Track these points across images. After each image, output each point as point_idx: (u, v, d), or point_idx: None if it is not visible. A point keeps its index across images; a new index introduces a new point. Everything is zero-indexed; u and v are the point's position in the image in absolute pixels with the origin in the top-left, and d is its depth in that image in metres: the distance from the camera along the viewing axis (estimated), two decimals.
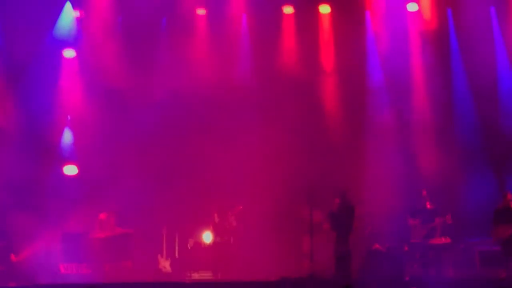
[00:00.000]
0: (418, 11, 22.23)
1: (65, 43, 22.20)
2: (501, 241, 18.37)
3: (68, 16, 22.21)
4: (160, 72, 22.02)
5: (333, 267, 18.59)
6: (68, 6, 22.15)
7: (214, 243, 20.15)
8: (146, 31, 22.08)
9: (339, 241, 18.57)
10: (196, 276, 19.78)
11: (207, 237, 20.34)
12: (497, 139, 21.39)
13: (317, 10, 22.69)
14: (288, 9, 22.61)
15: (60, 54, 22.16)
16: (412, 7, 22.19)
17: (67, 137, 22.09)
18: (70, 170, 21.87)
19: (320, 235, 19.89)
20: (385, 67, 22.20)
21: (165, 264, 20.63)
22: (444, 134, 21.54)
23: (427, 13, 22.22)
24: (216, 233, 20.24)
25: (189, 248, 20.60)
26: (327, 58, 22.52)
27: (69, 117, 22.11)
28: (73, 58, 22.29)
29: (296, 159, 21.20)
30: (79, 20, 22.33)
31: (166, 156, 21.45)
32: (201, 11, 22.63)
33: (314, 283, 16.86)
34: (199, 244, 20.52)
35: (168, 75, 22.04)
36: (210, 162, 21.43)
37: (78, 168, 21.92)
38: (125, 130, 21.34)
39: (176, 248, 21.06)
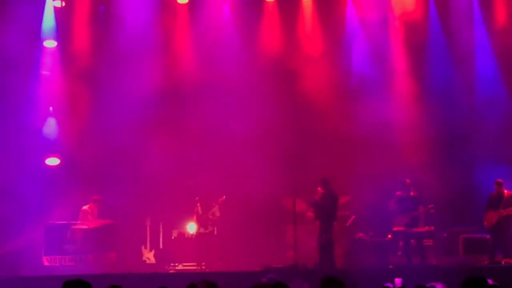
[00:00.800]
0: None
1: (46, 34, 22.09)
2: (490, 227, 18.54)
3: (49, 5, 22.10)
4: (141, 62, 21.91)
5: (316, 257, 18.62)
6: None
7: (198, 234, 20.13)
8: (127, 20, 21.97)
9: (323, 230, 18.58)
10: (180, 267, 19.76)
11: (191, 228, 20.32)
12: (477, 128, 21.43)
13: None
14: None
15: (41, 45, 22.04)
16: None
17: (50, 128, 21.98)
18: (53, 161, 21.78)
19: (303, 225, 19.91)
20: (368, 54, 22.21)
21: (149, 255, 20.60)
22: (426, 123, 21.55)
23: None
24: (199, 224, 20.21)
25: (173, 239, 20.57)
26: (311, 45, 22.52)
27: (51, 108, 22.00)
28: (55, 48, 22.18)
29: (279, 149, 21.20)
30: (59, 10, 22.21)
31: (149, 147, 21.38)
32: (182, 0, 22.57)
33: (298, 272, 16.87)
34: (183, 235, 20.49)
35: (150, 64, 21.95)
36: (193, 152, 21.40)
37: (61, 159, 21.83)
38: (108, 121, 21.26)
39: (160, 239, 21.04)
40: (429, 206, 18.70)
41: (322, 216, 18.66)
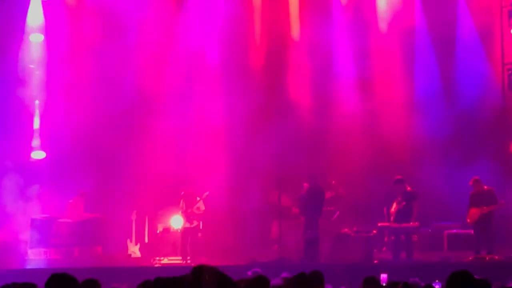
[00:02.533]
0: None
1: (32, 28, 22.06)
2: (472, 223, 18.66)
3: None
4: (129, 51, 21.89)
5: (301, 251, 18.67)
6: None
7: (183, 228, 20.14)
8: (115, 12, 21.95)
9: (308, 225, 18.64)
10: (165, 261, 19.78)
11: (176, 222, 20.33)
12: (466, 124, 21.50)
13: None
14: None
15: (27, 39, 22.00)
16: None
17: (35, 122, 21.96)
18: (38, 155, 21.75)
19: (288, 219, 19.96)
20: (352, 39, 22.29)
21: (135, 249, 20.61)
22: (416, 114, 21.61)
23: None
24: (185, 218, 20.22)
25: (158, 233, 20.58)
26: (295, 29, 22.61)
27: (37, 102, 21.96)
28: (41, 43, 22.15)
29: (265, 144, 21.22)
30: (46, 3, 22.17)
31: (134, 141, 21.39)
32: None
33: (283, 267, 16.89)
34: (168, 229, 20.50)
35: (136, 54, 21.95)
36: (178, 146, 21.43)
37: (46, 153, 21.81)
38: (94, 114, 21.25)
39: (146, 233, 21.04)
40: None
41: (307, 212, 18.72)
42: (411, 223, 18.68)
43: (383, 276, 14.47)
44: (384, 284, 11.32)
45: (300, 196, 18.85)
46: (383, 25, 22.27)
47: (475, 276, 7.48)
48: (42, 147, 21.84)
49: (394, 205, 18.78)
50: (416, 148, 21.33)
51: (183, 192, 20.36)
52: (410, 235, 18.74)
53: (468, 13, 21.96)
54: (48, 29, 22.04)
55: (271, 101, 21.88)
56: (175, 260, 19.78)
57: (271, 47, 22.59)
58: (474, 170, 19.26)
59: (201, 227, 20.35)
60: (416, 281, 10.92)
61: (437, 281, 12.38)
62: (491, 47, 21.82)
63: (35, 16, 22.01)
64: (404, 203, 18.60)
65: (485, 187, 18.70)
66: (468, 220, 18.78)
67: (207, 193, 20.08)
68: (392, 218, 18.78)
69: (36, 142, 21.80)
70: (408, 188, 18.79)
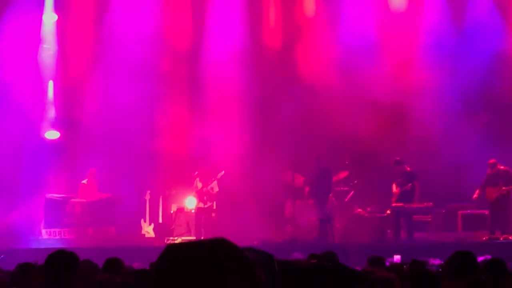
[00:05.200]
0: None
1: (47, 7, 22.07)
2: (489, 203, 18.61)
3: None
4: (144, 36, 21.88)
5: (315, 231, 18.68)
6: None
7: (197, 208, 20.16)
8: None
9: (318, 205, 18.68)
10: (179, 241, 19.81)
11: (190, 202, 20.35)
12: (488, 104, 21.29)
13: None
14: None
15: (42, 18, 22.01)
16: None
17: (49, 102, 21.99)
18: (53, 134, 21.78)
19: (302, 199, 19.95)
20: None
21: (148, 229, 20.66)
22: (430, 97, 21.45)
23: None
24: (199, 198, 20.24)
25: (172, 213, 20.61)
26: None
27: (51, 82, 21.98)
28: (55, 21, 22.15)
29: (279, 124, 21.19)
30: None
31: (149, 121, 21.38)
32: None
33: (296, 247, 16.91)
34: (182, 210, 20.53)
35: (150, 36, 21.95)
36: (192, 127, 21.41)
37: (61, 133, 21.84)
38: (109, 94, 21.23)
39: (160, 213, 21.07)
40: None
41: (315, 192, 18.77)
42: (424, 204, 18.70)
43: (397, 257, 14.48)
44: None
45: (308, 178, 18.94)
46: None
47: (489, 256, 7.51)
48: (56, 127, 21.86)
49: (394, 186, 18.78)
50: (432, 126, 21.09)
51: (197, 172, 20.37)
52: (411, 216, 18.71)
53: None
54: (62, 8, 22.03)
55: (285, 79, 21.79)
56: (189, 240, 19.81)
57: (286, 26, 22.49)
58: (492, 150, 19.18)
59: (214, 207, 20.37)
60: (425, 261, 10.92)
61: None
62: None
63: None
64: (406, 184, 18.58)
65: (501, 167, 18.67)
66: (474, 197, 18.79)
67: (222, 172, 20.09)
68: (394, 199, 18.71)
69: (50, 122, 21.82)
70: (408, 169, 18.77)
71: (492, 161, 18.75)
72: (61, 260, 6.40)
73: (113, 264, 8.68)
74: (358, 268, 11.33)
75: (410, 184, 18.51)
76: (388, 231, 19.02)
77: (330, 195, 19.18)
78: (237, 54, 21.90)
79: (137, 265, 11.74)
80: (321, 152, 19.05)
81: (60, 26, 22.06)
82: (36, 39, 21.87)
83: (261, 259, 2.51)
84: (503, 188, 18.49)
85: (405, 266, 9.74)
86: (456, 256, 7.51)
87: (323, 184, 18.66)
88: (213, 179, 20.22)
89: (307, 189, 19.90)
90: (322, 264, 2.56)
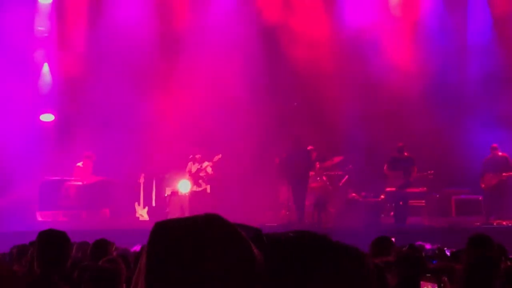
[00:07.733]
0: None
1: None
2: (488, 188, 18.66)
3: None
4: (138, 17, 21.86)
5: (310, 216, 18.70)
6: None
7: (191, 191, 20.16)
8: None
9: (298, 185, 18.70)
10: None
11: (184, 185, 20.35)
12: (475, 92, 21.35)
13: None
14: None
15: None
16: None
17: (45, 83, 21.94)
18: (47, 117, 21.75)
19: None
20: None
21: (142, 212, 20.66)
22: (425, 85, 21.46)
23: None
24: (192, 181, 20.24)
25: (166, 196, 20.61)
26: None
27: (46, 64, 21.95)
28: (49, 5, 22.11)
29: (274, 107, 21.18)
30: None
31: (143, 104, 21.34)
32: None
33: (291, 231, 16.92)
34: (176, 193, 20.53)
35: (145, 18, 21.93)
36: (187, 109, 21.37)
37: (55, 115, 21.82)
38: (103, 77, 21.19)
39: (153, 196, 21.07)
40: (429, 172, 18.88)
41: (294, 173, 18.76)
42: (419, 189, 18.79)
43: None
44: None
45: (281, 160, 18.93)
46: None
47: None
48: (51, 110, 21.83)
49: (389, 170, 18.87)
50: (427, 112, 21.13)
51: (191, 156, 20.36)
52: (406, 201, 18.77)
53: None
54: None
55: (279, 63, 21.82)
56: None
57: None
58: (487, 136, 19.24)
59: (208, 190, 20.37)
60: (421, 245, 10.93)
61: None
62: None
63: None
64: (405, 169, 18.63)
65: (500, 153, 18.74)
66: (483, 185, 18.83)
67: (219, 156, 20.08)
68: (398, 183, 18.78)
69: (44, 104, 21.80)
70: (406, 154, 18.81)
71: (494, 145, 18.85)
72: (52, 237, 6.40)
73: (101, 246, 8.69)
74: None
75: (410, 169, 18.60)
76: (382, 215, 19.10)
77: (311, 173, 19.21)
78: (234, 39, 21.88)
79: (135, 249, 11.72)
80: (298, 134, 19.04)
81: (56, 8, 22.02)
82: (31, 21, 21.83)
83: (250, 234, 2.49)
84: (504, 174, 18.55)
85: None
86: (475, 239, 7.70)
87: (303, 164, 18.62)
88: (207, 163, 20.21)
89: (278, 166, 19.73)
90: (310, 233, 2.54)
